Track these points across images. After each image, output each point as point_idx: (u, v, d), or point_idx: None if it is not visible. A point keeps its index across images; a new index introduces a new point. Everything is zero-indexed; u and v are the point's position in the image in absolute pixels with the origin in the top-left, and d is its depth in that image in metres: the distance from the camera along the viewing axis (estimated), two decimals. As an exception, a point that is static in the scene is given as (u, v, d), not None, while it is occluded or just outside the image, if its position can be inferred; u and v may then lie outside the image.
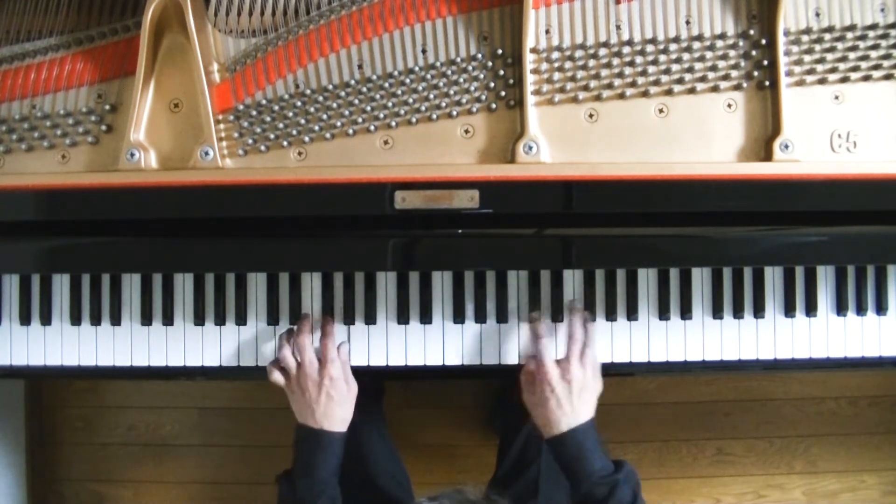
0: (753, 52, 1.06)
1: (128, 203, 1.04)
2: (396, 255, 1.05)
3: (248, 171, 1.06)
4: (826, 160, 1.06)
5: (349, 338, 1.15)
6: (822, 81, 1.07)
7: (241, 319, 1.15)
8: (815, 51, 1.06)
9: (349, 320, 1.14)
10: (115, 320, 1.15)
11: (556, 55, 1.07)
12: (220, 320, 1.15)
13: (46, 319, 1.16)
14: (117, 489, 1.92)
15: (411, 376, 1.18)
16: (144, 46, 1.04)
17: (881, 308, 1.14)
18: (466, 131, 1.07)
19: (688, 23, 1.07)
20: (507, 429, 1.35)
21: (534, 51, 1.06)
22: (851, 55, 1.07)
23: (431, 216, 1.03)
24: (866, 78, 1.07)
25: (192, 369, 1.15)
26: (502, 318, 1.14)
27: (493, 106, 1.07)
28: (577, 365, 1.05)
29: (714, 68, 1.06)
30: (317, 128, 1.07)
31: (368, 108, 1.06)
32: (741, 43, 1.07)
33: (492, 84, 1.07)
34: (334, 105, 1.07)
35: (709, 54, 1.07)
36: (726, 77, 1.06)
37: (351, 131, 1.06)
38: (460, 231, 1.04)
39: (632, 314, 1.14)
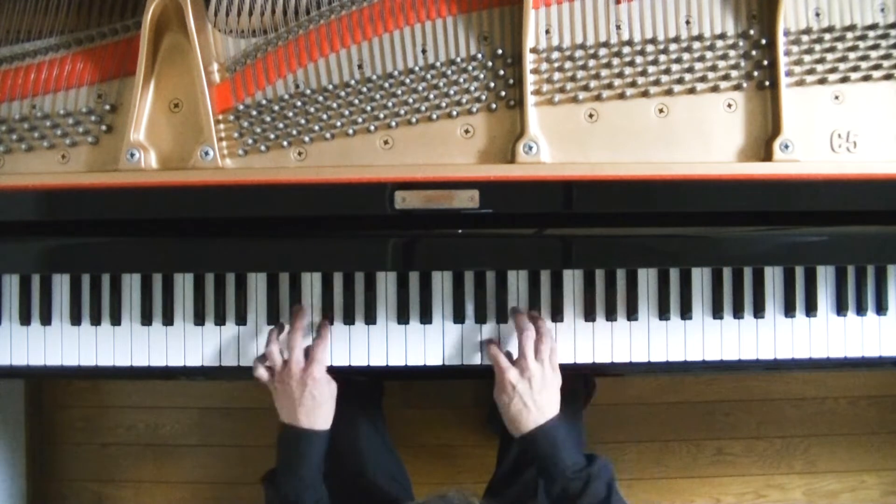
0: (753, 52, 1.06)
1: (128, 203, 1.04)
2: (396, 255, 1.05)
3: (249, 171, 1.06)
4: (826, 160, 1.06)
5: (349, 338, 1.15)
6: (822, 81, 1.07)
7: (241, 319, 1.15)
8: (815, 51, 1.06)
9: (349, 320, 1.14)
10: (115, 320, 1.15)
11: (556, 55, 1.07)
12: (220, 320, 1.15)
13: (46, 319, 1.16)
14: (117, 489, 1.92)
15: (411, 376, 1.18)
16: (144, 46, 1.04)
17: (881, 308, 1.14)
18: (466, 131, 1.07)
19: (688, 23, 1.07)
20: (507, 429, 1.35)
21: (534, 51, 1.06)
22: (851, 55, 1.07)
23: (431, 216, 1.03)
24: (866, 78, 1.07)
25: (192, 369, 1.15)
26: (502, 318, 1.14)
27: (494, 106, 1.07)
28: (532, 361, 1.05)
29: (714, 68, 1.06)
30: (317, 128, 1.07)
31: (368, 108, 1.06)
32: (741, 43, 1.07)
33: (492, 84, 1.07)
34: (334, 105, 1.07)
35: (709, 54, 1.07)
36: (726, 77, 1.06)
37: (351, 131, 1.06)
38: (460, 231, 1.04)
39: (632, 314, 1.14)
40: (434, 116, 1.07)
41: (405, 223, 1.04)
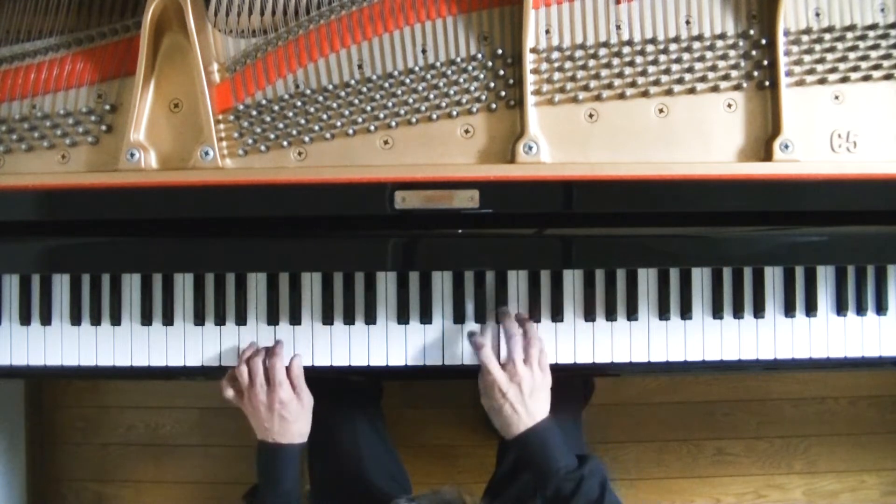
0: (753, 52, 1.06)
1: (128, 203, 1.04)
2: (396, 255, 1.05)
3: (249, 171, 1.06)
4: (826, 160, 1.06)
5: (349, 338, 1.15)
6: (822, 81, 1.07)
7: (241, 319, 1.15)
8: (815, 51, 1.06)
9: (349, 320, 1.14)
10: (115, 320, 1.15)
11: (556, 55, 1.07)
12: (220, 320, 1.15)
13: (46, 319, 1.16)
14: (117, 489, 1.92)
15: (411, 376, 1.18)
16: (144, 46, 1.04)
17: (881, 308, 1.14)
18: (466, 131, 1.07)
19: (688, 23, 1.07)
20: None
21: (534, 51, 1.06)
22: (851, 55, 1.07)
23: (431, 216, 1.03)
24: (866, 78, 1.07)
25: (192, 369, 1.15)
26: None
27: (493, 106, 1.07)
28: (521, 365, 1.05)
29: (714, 68, 1.06)
30: (317, 128, 1.07)
31: (368, 108, 1.06)
32: (741, 43, 1.07)
33: (492, 84, 1.07)
34: (334, 105, 1.07)
35: (709, 54, 1.07)
36: (726, 77, 1.06)
37: (351, 131, 1.06)
38: (460, 231, 1.04)
39: (632, 314, 1.14)
40: (434, 116, 1.07)
41: (405, 223, 1.04)
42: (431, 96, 1.06)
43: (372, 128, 1.06)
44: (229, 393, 1.09)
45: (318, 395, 1.32)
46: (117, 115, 1.08)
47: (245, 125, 1.07)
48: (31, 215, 1.06)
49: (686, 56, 1.07)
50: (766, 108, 1.06)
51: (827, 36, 1.06)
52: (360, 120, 1.06)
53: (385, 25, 1.07)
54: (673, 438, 1.92)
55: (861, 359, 1.15)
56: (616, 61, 1.07)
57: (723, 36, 1.07)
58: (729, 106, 1.07)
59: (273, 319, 1.15)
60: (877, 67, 1.06)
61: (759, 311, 1.14)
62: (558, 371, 1.09)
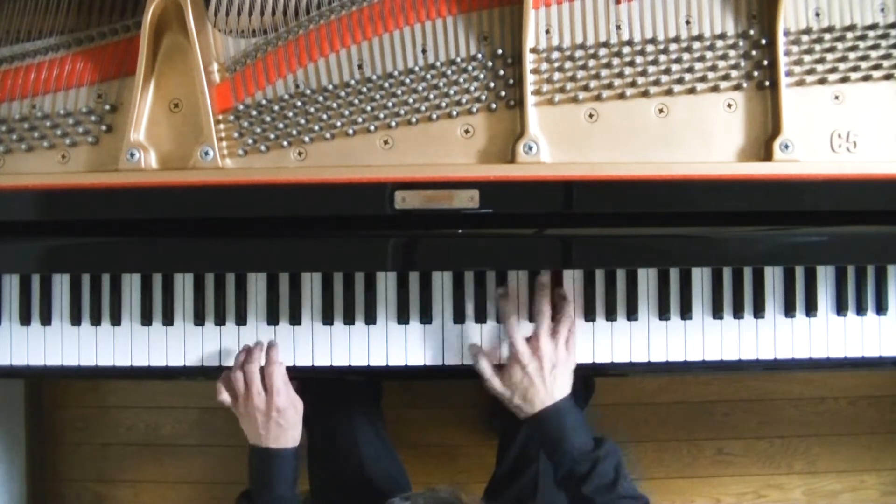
0: (753, 52, 1.06)
1: (128, 203, 1.04)
2: (396, 255, 1.05)
3: (249, 172, 1.06)
4: (826, 160, 1.06)
5: (349, 338, 1.15)
6: (822, 81, 1.07)
7: (241, 319, 1.15)
8: (815, 51, 1.06)
9: (349, 320, 1.14)
10: (115, 320, 1.15)
11: (556, 55, 1.07)
12: (220, 320, 1.15)
13: (46, 319, 1.16)
14: (117, 489, 1.92)
15: (411, 376, 1.18)
16: (144, 46, 1.04)
17: (881, 308, 1.14)
18: (466, 131, 1.07)
19: (688, 23, 1.07)
20: (507, 428, 1.35)
21: (534, 51, 1.06)
22: (851, 55, 1.06)
23: (431, 216, 1.03)
24: (866, 78, 1.07)
25: (192, 369, 1.15)
26: (503, 318, 1.14)
27: (493, 106, 1.07)
28: (546, 340, 1.05)
29: (714, 68, 1.06)
30: (317, 128, 1.07)
31: (368, 108, 1.06)
32: (741, 43, 1.07)
33: (492, 84, 1.07)
34: (334, 105, 1.07)
35: (709, 54, 1.07)
36: (726, 77, 1.06)
37: (351, 131, 1.06)
38: (460, 231, 1.04)
39: (632, 314, 1.14)
40: (434, 116, 1.07)
41: (405, 223, 1.04)
42: (431, 96, 1.06)
43: (372, 128, 1.06)
44: (224, 397, 1.08)
45: (317, 396, 1.32)
46: (117, 115, 1.08)
47: (245, 125, 1.07)
48: (31, 215, 1.06)
49: (686, 56, 1.07)
50: (766, 108, 1.06)
51: (827, 36, 1.06)
52: (360, 120, 1.06)
53: (385, 25, 1.07)
54: (673, 438, 1.92)
55: (861, 359, 1.15)
56: (616, 61, 1.07)
57: (723, 36, 1.07)
58: (729, 106, 1.07)
59: (273, 319, 1.15)
60: (877, 67, 1.06)
61: (759, 311, 1.14)
62: (558, 371, 1.09)
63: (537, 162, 1.05)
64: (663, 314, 1.14)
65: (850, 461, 1.92)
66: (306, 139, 1.07)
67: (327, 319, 1.14)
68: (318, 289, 1.15)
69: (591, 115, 1.07)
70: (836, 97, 1.07)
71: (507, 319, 1.08)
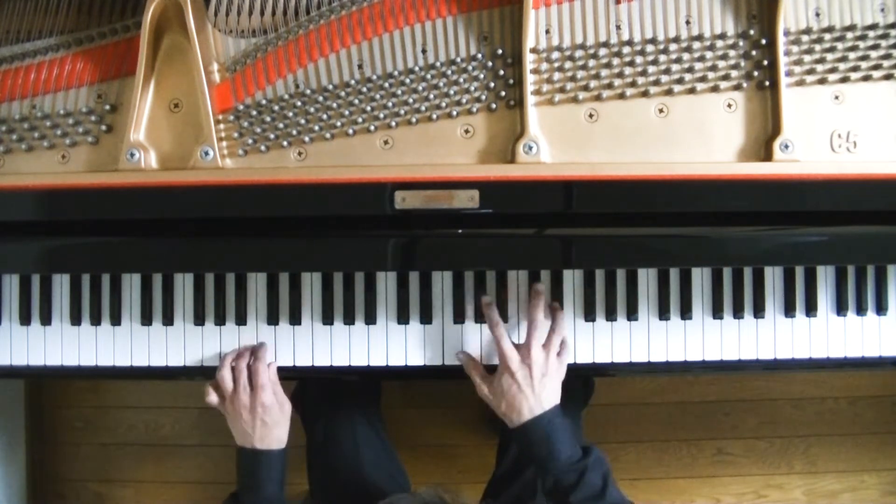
0: (753, 52, 1.06)
1: (128, 203, 1.04)
2: (396, 255, 1.05)
3: (249, 171, 1.06)
4: (826, 160, 1.06)
5: (349, 338, 1.15)
6: (822, 81, 1.07)
7: (241, 319, 1.15)
8: (815, 51, 1.06)
9: (349, 320, 1.14)
10: (115, 320, 1.15)
11: (556, 55, 1.07)
12: (220, 320, 1.15)
13: (46, 319, 1.16)
14: (117, 489, 1.92)
15: (411, 376, 1.18)
16: (144, 46, 1.04)
17: (881, 308, 1.14)
18: (466, 131, 1.07)
19: (688, 23, 1.07)
20: (507, 428, 1.35)
21: (534, 51, 1.06)
22: (851, 55, 1.06)
23: (431, 216, 1.03)
24: (866, 78, 1.07)
25: (192, 369, 1.15)
26: (503, 318, 1.14)
27: (493, 106, 1.07)
28: (537, 349, 1.04)
29: (714, 68, 1.06)
30: (317, 128, 1.07)
31: (368, 108, 1.06)
32: (741, 43, 1.07)
33: (492, 84, 1.07)
34: (334, 105, 1.07)
35: (709, 54, 1.07)
36: (726, 77, 1.06)
37: (351, 131, 1.06)
38: (460, 231, 1.04)
39: (632, 314, 1.14)
40: (434, 116, 1.07)
41: (405, 223, 1.04)
42: (431, 96, 1.06)
43: (372, 128, 1.06)
44: (212, 398, 1.09)
45: (317, 396, 1.32)
46: (117, 115, 1.08)
47: (245, 125, 1.07)
48: (31, 215, 1.06)
49: (686, 56, 1.07)
50: (766, 108, 1.06)
51: (827, 36, 1.06)
52: (360, 120, 1.06)
53: (385, 25, 1.07)
54: (673, 438, 1.92)
55: (861, 359, 1.15)
56: (616, 61, 1.07)
57: (723, 36, 1.07)
58: (729, 106, 1.07)
59: (273, 319, 1.15)
60: (877, 67, 1.06)
61: (759, 311, 1.14)
62: (558, 371, 1.09)
63: (537, 162, 1.05)
64: (663, 314, 1.14)
65: (850, 461, 1.92)
66: (306, 139, 1.07)
67: (327, 319, 1.14)
68: (318, 289, 1.15)
69: (591, 115, 1.07)
70: (836, 97, 1.07)
71: (494, 327, 1.07)
